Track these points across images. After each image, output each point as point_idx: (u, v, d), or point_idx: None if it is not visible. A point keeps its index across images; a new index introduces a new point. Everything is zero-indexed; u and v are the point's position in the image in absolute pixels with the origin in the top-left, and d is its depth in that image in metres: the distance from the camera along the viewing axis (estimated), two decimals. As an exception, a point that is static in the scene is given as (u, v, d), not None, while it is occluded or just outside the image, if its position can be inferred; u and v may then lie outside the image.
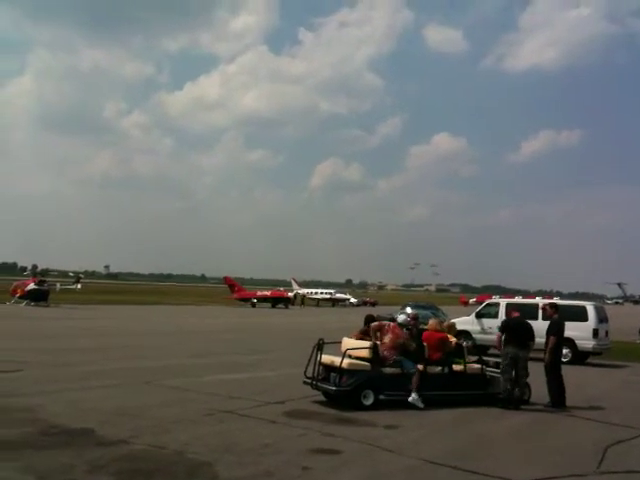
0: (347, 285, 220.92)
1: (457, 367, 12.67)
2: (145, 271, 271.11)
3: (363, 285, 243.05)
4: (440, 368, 12.52)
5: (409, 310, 25.89)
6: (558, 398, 12.72)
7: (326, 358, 11.98)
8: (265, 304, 66.58)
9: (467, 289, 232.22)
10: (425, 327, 13.71)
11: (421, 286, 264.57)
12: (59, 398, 11.21)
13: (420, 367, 12.15)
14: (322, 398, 11.96)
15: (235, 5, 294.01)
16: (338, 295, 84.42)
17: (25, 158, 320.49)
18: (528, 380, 12.85)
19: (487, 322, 22.74)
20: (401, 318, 13.08)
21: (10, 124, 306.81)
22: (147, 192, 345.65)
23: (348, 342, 12.33)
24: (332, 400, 11.71)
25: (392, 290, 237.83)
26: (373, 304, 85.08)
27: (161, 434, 8.81)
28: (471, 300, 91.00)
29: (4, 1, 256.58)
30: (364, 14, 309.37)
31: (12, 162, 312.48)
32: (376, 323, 12.64)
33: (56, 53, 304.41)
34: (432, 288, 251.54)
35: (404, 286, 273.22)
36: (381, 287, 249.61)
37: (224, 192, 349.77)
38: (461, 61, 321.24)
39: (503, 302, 23.76)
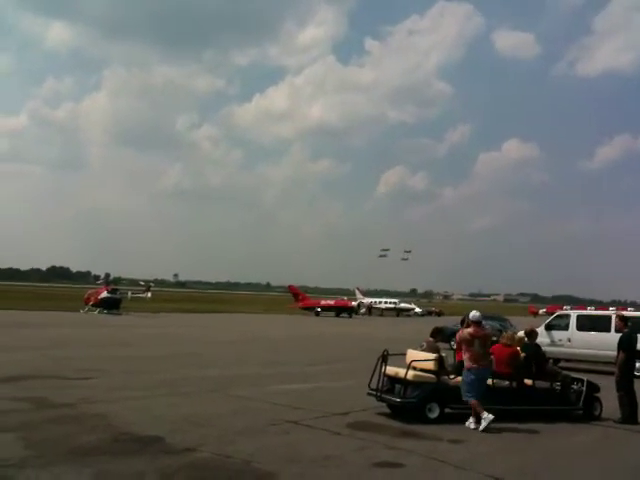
0: (412, 295, 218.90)
1: (526, 381, 12.39)
2: (212, 279, 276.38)
3: (428, 295, 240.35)
4: (508, 382, 12.26)
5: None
6: (630, 414, 12.25)
7: (391, 370, 11.92)
8: (329, 313, 66.71)
9: (536, 299, 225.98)
10: (493, 339, 13.46)
11: (488, 296, 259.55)
12: (131, 405, 11.59)
13: (487, 381, 11.92)
14: (386, 410, 11.90)
15: (303, 18, 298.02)
16: (403, 305, 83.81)
17: (100, 171, 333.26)
18: (598, 395, 12.45)
19: (557, 334, 22.12)
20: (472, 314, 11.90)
21: (87, 139, 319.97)
22: (216, 203, 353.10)
23: (413, 354, 12.23)
24: (397, 412, 11.63)
25: (458, 300, 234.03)
26: (439, 314, 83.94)
27: (228, 443, 8.98)
28: (541, 311, 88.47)
29: (83, 20, 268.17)
30: (434, 21, 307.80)
31: (88, 175, 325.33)
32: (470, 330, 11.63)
33: (130, 69, 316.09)
34: (500, 298, 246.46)
35: (470, 295, 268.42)
36: (446, 297, 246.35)
37: (290, 202, 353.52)
38: (533, 66, 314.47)
39: (574, 314, 23.03)
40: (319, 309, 67.35)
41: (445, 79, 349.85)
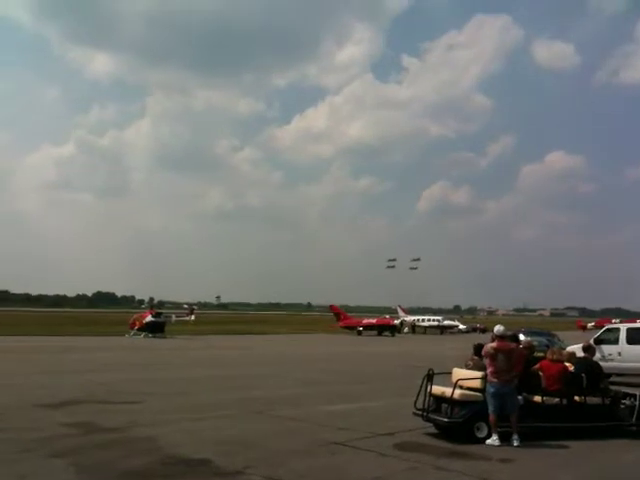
0: (455, 311, 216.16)
1: (576, 398, 12.10)
2: (253, 300, 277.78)
3: (472, 311, 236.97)
4: (558, 399, 11.98)
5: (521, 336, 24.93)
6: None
7: (436, 389, 11.78)
8: (371, 332, 66.30)
9: (585, 313, 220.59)
10: (541, 355, 13.21)
11: (534, 311, 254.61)
12: (177, 428, 11.68)
13: (537, 399, 11.70)
14: (433, 430, 11.73)
15: (341, 37, 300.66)
16: (446, 322, 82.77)
17: (144, 196, 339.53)
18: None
19: (607, 349, 21.53)
20: (497, 329, 11.76)
21: (131, 165, 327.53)
22: (257, 224, 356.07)
23: (459, 372, 12.05)
24: (444, 432, 11.46)
25: (503, 315, 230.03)
26: (483, 330, 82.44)
27: (275, 465, 8.97)
28: (589, 324, 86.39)
29: (124, 49, 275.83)
30: (472, 35, 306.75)
31: (133, 201, 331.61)
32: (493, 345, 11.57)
33: (172, 95, 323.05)
34: (546, 312, 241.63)
35: (516, 310, 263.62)
36: (491, 312, 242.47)
37: (331, 221, 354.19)
38: (574, 76, 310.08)
39: (624, 327, 22.43)
40: (361, 328, 66.96)
41: (485, 92, 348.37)
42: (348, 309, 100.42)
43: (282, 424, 12.45)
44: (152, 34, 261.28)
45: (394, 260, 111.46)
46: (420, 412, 11.75)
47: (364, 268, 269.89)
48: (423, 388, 11.86)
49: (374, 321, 69.51)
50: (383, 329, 66.86)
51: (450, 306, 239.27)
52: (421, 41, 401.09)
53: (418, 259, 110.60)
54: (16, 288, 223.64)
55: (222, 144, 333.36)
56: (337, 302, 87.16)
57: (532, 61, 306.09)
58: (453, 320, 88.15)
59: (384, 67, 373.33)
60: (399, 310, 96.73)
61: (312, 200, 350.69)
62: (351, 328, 68.20)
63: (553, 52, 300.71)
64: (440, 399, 11.72)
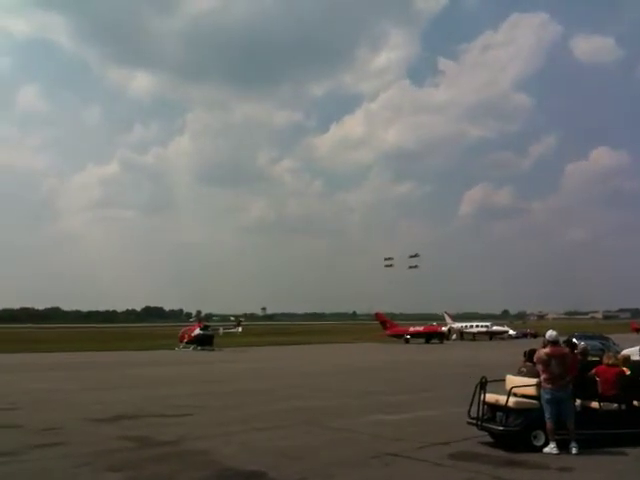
0: (504, 316, 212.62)
1: (635, 402, 11.70)
2: (299, 311, 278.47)
3: (521, 315, 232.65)
4: (616, 405, 11.61)
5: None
6: None
7: (490, 397, 11.55)
8: (419, 340, 65.68)
9: (638, 314, 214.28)
10: (595, 359, 12.84)
11: (586, 313, 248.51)
12: (230, 441, 11.72)
13: (594, 405, 11.36)
14: (488, 439, 11.49)
15: (376, 43, 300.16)
16: (495, 328, 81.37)
17: (188, 211, 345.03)
18: None
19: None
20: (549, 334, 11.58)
21: (174, 181, 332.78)
22: (299, 233, 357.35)
23: (513, 379, 11.79)
24: (500, 441, 11.21)
25: (554, 319, 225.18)
26: (534, 335, 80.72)
27: (329, 477, 8.92)
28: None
29: (163, 67, 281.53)
30: (509, 34, 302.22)
31: (176, 216, 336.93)
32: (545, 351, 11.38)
33: (211, 110, 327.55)
34: (599, 315, 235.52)
35: (567, 314, 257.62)
36: (541, 316, 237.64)
37: (372, 227, 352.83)
38: (615, 70, 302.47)
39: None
40: (408, 336, 66.42)
41: (524, 91, 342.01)
42: (393, 317, 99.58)
43: (334, 435, 12.37)
44: (190, 51, 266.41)
45: (391, 259, 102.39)
46: (474, 421, 11.53)
47: (408, 275, 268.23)
48: (476, 396, 11.64)
49: (421, 329, 68.84)
50: (431, 336, 66.16)
51: (498, 311, 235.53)
52: (457, 43, 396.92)
53: (416, 255, 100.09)
54: (67, 305, 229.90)
55: (261, 156, 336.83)
56: (382, 310, 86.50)
57: (571, 57, 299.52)
58: (502, 325, 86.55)
59: (420, 71, 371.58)
60: (446, 317, 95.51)
61: (352, 207, 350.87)
62: (398, 336, 67.70)
63: (593, 47, 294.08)
64: (494, 407, 11.49)
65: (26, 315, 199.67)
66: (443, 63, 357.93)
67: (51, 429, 13.01)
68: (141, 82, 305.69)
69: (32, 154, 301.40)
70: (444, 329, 69.93)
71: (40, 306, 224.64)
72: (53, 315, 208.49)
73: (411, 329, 69.19)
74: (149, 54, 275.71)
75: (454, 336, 73.77)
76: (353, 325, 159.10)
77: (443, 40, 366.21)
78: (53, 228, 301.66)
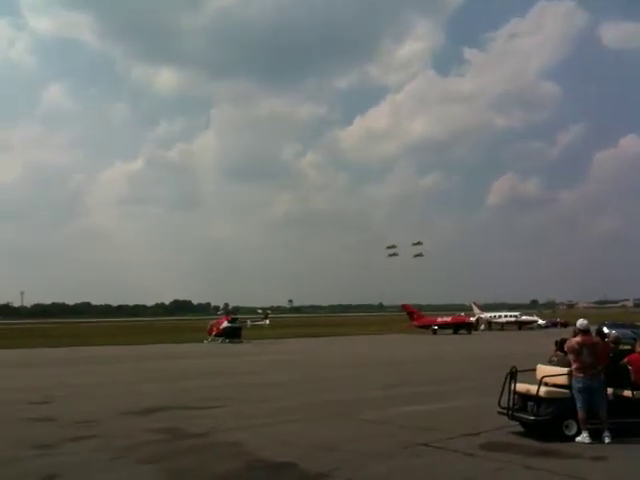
0: (532, 306, 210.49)
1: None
2: (325, 303, 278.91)
3: (550, 305, 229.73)
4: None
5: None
6: None
7: (521, 387, 11.48)
8: (446, 330, 65.37)
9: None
10: (627, 347, 12.67)
11: (616, 302, 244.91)
12: (260, 432, 11.82)
13: (627, 393, 11.22)
14: (520, 429, 11.43)
15: (400, 34, 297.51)
16: (524, 317, 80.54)
17: (214, 206, 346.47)
18: None
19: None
20: (580, 323, 11.48)
21: (199, 176, 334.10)
22: (325, 227, 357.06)
23: (544, 369, 11.70)
24: (531, 431, 11.14)
25: (584, 308, 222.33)
26: (564, 325, 79.74)
27: (360, 468, 8.94)
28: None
29: (188, 63, 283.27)
30: (535, 22, 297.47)
31: (203, 211, 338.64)
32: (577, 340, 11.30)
33: (236, 105, 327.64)
34: (629, 303, 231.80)
35: (597, 303, 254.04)
36: (571, 306, 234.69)
37: (398, 220, 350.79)
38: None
39: None
40: (436, 327, 66.09)
41: (552, 79, 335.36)
42: (421, 308, 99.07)
43: (365, 426, 12.42)
44: (214, 46, 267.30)
45: (394, 247, 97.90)
46: (505, 411, 11.48)
47: (435, 266, 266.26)
48: (507, 386, 11.58)
49: (449, 319, 68.44)
50: (459, 327, 65.73)
51: (527, 301, 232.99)
52: (483, 32, 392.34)
53: (419, 243, 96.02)
54: (97, 300, 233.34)
55: (286, 150, 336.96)
56: (409, 301, 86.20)
57: (599, 44, 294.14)
58: (531, 315, 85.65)
59: (445, 61, 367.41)
60: (474, 307, 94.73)
61: (378, 200, 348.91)
62: (426, 327, 67.41)
63: (621, 33, 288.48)
64: (525, 397, 11.42)
65: (57, 310, 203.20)
66: (469, 52, 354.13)
67: (85, 422, 13.24)
68: (166, 78, 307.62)
69: (59, 152, 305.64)
70: (472, 319, 69.43)
71: (71, 301, 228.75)
72: (84, 310, 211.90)
73: (439, 320, 68.82)
74: (174, 50, 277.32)
75: (482, 326, 73.21)
76: (380, 317, 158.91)
77: (469, 29, 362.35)
78: (82, 224, 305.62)
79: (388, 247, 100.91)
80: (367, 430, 11.99)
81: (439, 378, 21.63)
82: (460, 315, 72.06)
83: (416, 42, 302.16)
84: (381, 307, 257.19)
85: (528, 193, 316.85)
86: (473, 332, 65.25)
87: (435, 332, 64.74)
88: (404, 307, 79.44)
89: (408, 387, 19.02)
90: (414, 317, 72.62)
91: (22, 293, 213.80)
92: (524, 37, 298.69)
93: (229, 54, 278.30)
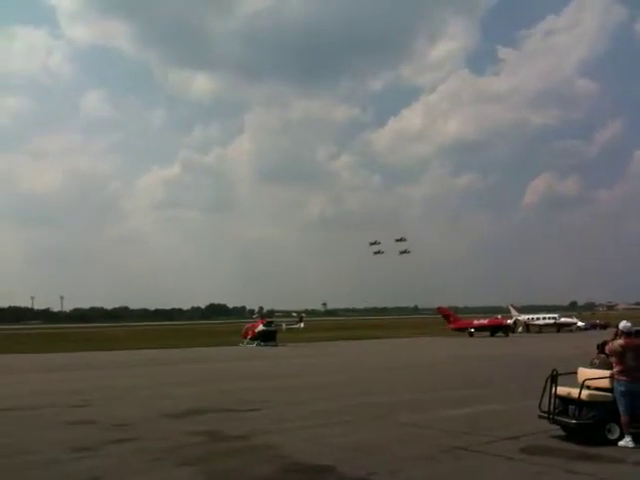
0: (571, 307, 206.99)
1: None
2: (360, 306, 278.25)
3: (590, 306, 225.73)
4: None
5: None
6: None
7: (562, 390, 11.29)
8: (483, 333, 64.63)
9: None
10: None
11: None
12: (297, 435, 11.83)
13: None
14: (561, 433, 11.25)
15: (434, 33, 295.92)
16: (563, 319, 79.23)
17: (249, 209, 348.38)
18: None
19: None
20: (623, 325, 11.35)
21: (235, 180, 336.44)
22: (358, 229, 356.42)
23: (585, 372, 11.48)
24: (572, 435, 10.95)
25: (624, 310, 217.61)
26: (604, 327, 78.18)
27: (398, 471, 8.88)
28: None
29: (223, 68, 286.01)
30: (572, 18, 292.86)
31: (238, 214, 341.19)
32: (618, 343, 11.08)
33: (270, 108, 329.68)
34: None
35: (637, 304, 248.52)
36: (611, 307, 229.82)
37: (433, 221, 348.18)
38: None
39: None
40: (472, 329, 65.42)
41: (589, 76, 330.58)
42: (456, 310, 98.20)
43: (403, 429, 12.33)
44: (248, 50, 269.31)
45: (378, 243, 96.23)
46: (545, 414, 11.31)
47: (471, 268, 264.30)
48: (547, 389, 11.40)
49: (486, 322, 67.63)
50: (496, 329, 64.94)
51: (565, 302, 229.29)
52: (517, 30, 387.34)
53: (402, 239, 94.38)
54: (134, 304, 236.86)
55: (320, 152, 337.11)
56: (444, 304, 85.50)
57: (638, 39, 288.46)
58: (570, 317, 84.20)
59: (480, 60, 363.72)
60: (511, 309, 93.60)
61: (412, 201, 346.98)
62: (462, 330, 66.76)
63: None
64: (566, 400, 11.23)
65: (96, 314, 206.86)
66: (503, 51, 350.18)
67: (124, 425, 13.42)
68: (201, 83, 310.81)
69: (98, 158, 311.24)
70: (509, 322, 68.49)
71: (109, 306, 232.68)
72: (121, 314, 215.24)
73: (475, 322, 68.07)
74: (208, 55, 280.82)
75: (520, 329, 72.15)
76: (415, 319, 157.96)
77: (503, 27, 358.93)
78: (120, 229, 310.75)
79: (371, 243, 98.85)
80: (405, 433, 11.91)
81: (477, 381, 21.38)
82: (497, 317, 71.16)
83: (450, 41, 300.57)
84: (416, 310, 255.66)
85: (566, 192, 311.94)
86: (510, 335, 64.38)
87: (472, 335, 64.09)
88: (439, 310, 78.84)
89: (446, 390, 18.84)
90: (450, 320, 71.98)
91: (62, 298, 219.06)
92: (560, 34, 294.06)
93: (263, 57, 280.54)
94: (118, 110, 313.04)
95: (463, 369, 27.16)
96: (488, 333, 64.54)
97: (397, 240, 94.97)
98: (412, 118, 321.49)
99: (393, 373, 25.34)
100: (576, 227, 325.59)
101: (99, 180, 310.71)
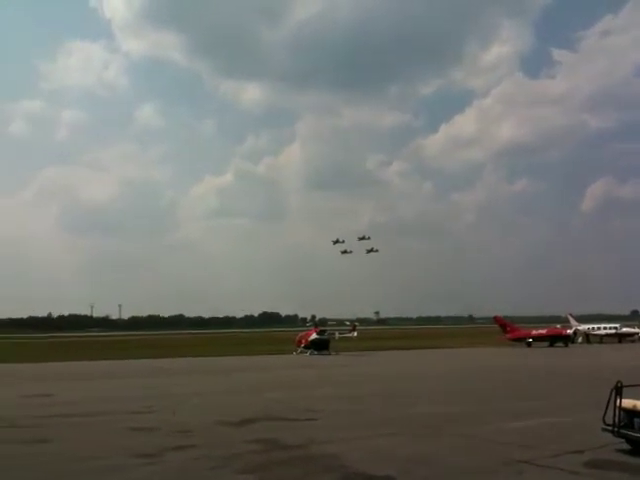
0: (633, 317, 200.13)
1: None
2: (413, 315, 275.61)
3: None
4: None
5: None
6: None
7: (627, 402, 10.96)
8: (542, 343, 63.13)
9: None
10: None
11: None
12: (356, 445, 11.82)
13: None
14: (626, 446, 10.92)
15: (486, 37, 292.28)
16: (625, 329, 76.63)
17: (299, 218, 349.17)
18: None
19: None
20: None
21: (285, 188, 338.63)
22: (410, 236, 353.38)
23: (652, 384, 11.12)
24: (638, 448, 10.61)
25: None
26: (669, 337, 75.33)
27: (460, 484, 8.78)
28: None
29: (273, 78, 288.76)
30: (630, 17, 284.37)
31: (289, 223, 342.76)
32: None
33: (320, 117, 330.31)
34: None
35: None
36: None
37: (487, 228, 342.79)
38: None
39: None
40: (530, 339, 63.97)
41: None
42: (512, 320, 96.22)
43: (461, 441, 12.19)
44: (297, 59, 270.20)
45: (341, 242, 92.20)
46: (610, 427, 10.99)
47: (527, 276, 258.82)
48: (612, 402, 11.08)
49: (544, 331, 66.06)
50: (555, 340, 63.30)
51: (626, 311, 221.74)
52: (573, 31, 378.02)
53: (364, 238, 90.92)
54: (189, 312, 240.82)
55: (371, 160, 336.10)
56: (500, 313, 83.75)
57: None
58: (632, 327, 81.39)
59: (534, 63, 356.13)
60: (570, 318, 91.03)
61: (465, 207, 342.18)
62: (520, 340, 65.35)
63: None
64: (632, 413, 10.90)
65: (153, 322, 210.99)
66: (558, 53, 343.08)
67: (185, 431, 13.68)
68: (251, 93, 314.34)
69: (152, 168, 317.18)
70: (569, 332, 66.69)
71: (165, 313, 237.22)
72: (177, 322, 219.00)
73: (533, 332, 66.56)
74: (258, 65, 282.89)
75: (580, 339, 70.21)
76: (470, 328, 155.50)
77: (557, 29, 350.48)
78: (174, 238, 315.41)
79: (335, 242, 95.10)
80: (464, 445, 11.76)
81: (537, 393, 20.92)
82: (556, 327, 69.40)
83: (503, 45, 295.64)
84: (471, 319, 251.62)
85: (626, 196, 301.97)
86: (570, 345, 62.74)
87: (530, 345, 62.67)
88: (496, 319, 77.32)
89: (505, 401, 18.52)
90: (507, 329, 70.53)
91: (120, 306, 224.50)
92: (618, 34, 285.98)
93: (312, 65, 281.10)
94: (171, 120, 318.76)
95: (521, 380, 26.61)
96: (547, 343, 63.02)
97: (360, 239, 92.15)
98: (465, 123, 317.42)
99: (447, 383, 25.02)
100: (636, 232, 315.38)
101: (154, 189, 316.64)
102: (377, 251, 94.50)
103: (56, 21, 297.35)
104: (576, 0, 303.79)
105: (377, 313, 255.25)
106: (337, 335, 57.74)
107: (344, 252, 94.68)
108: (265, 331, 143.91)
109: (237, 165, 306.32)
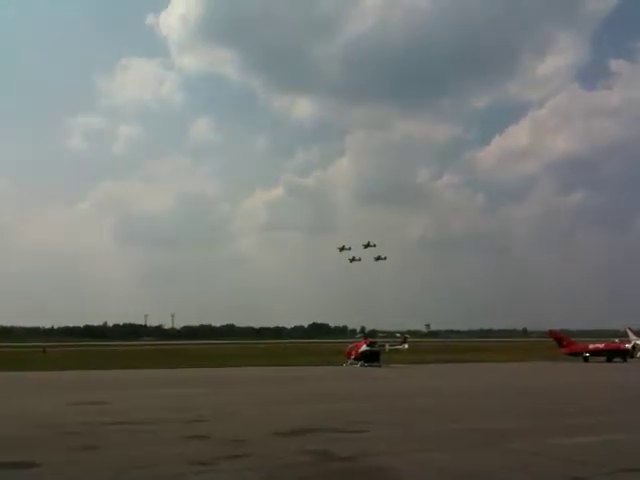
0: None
1: None
2: (464, 328, 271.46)
3: None
4: None
5: None
6: None
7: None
8: (599, 358, 61.32)
9: None
10: None
11: None
12: (410, 459, 11.75)
13: None
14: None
15: (541, 49, 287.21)
16: (689, 344, 73.79)
17: (349, 231, 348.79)
18: None
19: None
20: None
21: (335, 202, 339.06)
22: (462, 249, 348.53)
23: None
24: None
25: None
26: None
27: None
28: None
29: (323, 92, 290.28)
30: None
31: (339, 234, 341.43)
32: None
33: (371, 130, 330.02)
34: None
35: None
36: None
37: (541, 241, 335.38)
38: None
39: None
40: (587, 354, 62.22)
41: None
42: (568, 334, 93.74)
43: (516, 457, 11.98)
44: (348, 73, 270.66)
45: (348, 249, 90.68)
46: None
47: (583, 290, 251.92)
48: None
49: (602, 346, 64.17)
50: (613, 354, 61.39)
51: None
52: (632, 41, 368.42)
53: (369, 245, 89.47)
54: (240, 322, 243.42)
55: (422, 173, 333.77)
56: (554, 326, 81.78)
57: None
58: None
59: (590, 74, 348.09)
60: (629, 332, 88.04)
61: (518, 221, 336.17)
62: (576, 354, 63.62)
63: None
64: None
65: (204, 332, 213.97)
66: (616, 64, 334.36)
67: (237, 441, 13.81)
68: (303, 107, 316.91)
69: (205, 181, 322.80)
70: (628, 346, 64.61)
71: (217, 323, 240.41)
72: (228, 332, 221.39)
73: (591, 346, 64.70)
74: (310, 79, 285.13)
75: (639, 354, 67.94)
76: (524, 342, 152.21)
77: (615, 40, 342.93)
78: (227, 250, 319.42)
79: (341, 249, 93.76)
80: (518, 461, 11.55)
81: (591, 409, 20.37)
82: (614, 342, 67.35)
83: (558, 56, 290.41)
84: (525, 333, 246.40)
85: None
86: (629, 360, 60.77)
87: (587, 360, 60.94)
88: (550, 333, 75.53)
89: (557, 417, 18.09)
90: (563, 344, 68.74)
91: (173, 316, 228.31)
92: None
93: (363, 79, 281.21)
94: (224, 135, 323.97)
95: (577, 395, 25.91)
96: (604, 358, 61.20)
97: (365, 246, 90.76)
98: (519, 135, 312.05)
99: (500, 398, 24.55)
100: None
101: (207, 202, 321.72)
102: (385, 259, 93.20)
103: (114, 39, 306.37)
104: (633, 10, 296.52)
105: (428, 325, 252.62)
106: (387, 347, 57.37)
107: (352, 260, 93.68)
108: (315, 342, 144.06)
109: (287, 178, 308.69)
